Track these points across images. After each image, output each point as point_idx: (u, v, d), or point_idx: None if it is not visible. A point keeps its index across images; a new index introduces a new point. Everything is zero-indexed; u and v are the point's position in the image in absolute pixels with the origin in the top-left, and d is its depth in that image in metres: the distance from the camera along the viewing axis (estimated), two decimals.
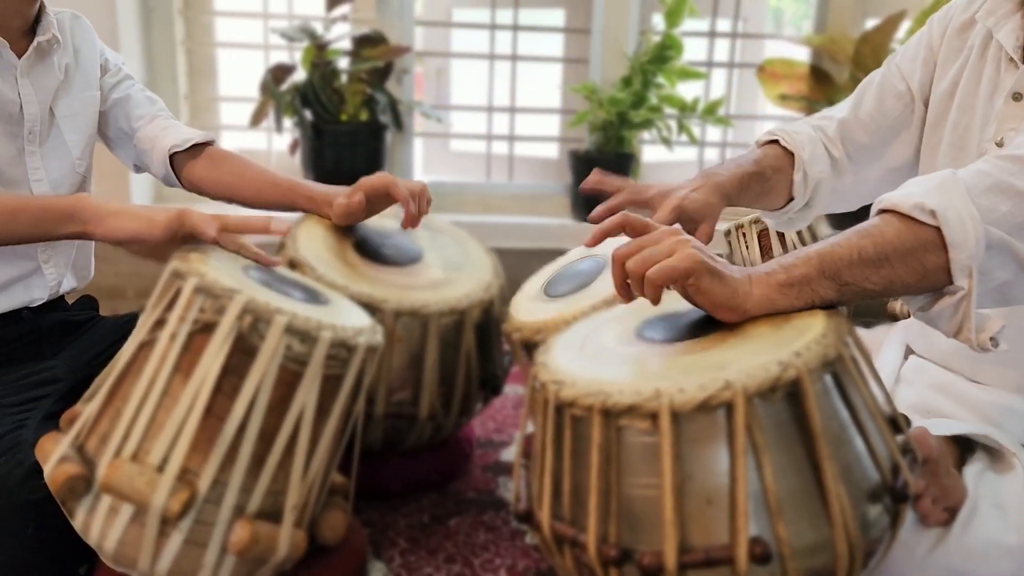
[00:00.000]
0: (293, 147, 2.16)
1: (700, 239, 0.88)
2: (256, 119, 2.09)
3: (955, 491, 0.80)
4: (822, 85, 2.21)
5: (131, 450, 0.72)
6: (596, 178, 1.00)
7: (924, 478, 0.77)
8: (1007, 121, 0.89)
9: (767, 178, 1.03)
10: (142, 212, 0.91)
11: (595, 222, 0.87)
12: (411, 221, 1.18)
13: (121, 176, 1.84)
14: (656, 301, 0.72)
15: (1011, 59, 0.90)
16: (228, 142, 2.28)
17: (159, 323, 0.77)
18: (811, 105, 2.21)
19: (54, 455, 0.74)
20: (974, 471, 0.84)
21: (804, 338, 0.65)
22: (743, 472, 0.61)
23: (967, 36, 0.98)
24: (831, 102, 2.18)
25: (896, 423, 0.73)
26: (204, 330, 0.74)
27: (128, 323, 1.17)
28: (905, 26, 2.16)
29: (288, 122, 2.11)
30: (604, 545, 0.64)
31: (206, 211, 0.91)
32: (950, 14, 1.01)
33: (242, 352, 0.74)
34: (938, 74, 1.01)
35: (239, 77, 2.28)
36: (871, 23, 2.28)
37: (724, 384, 0.61)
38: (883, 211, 0.75)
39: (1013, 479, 0.83)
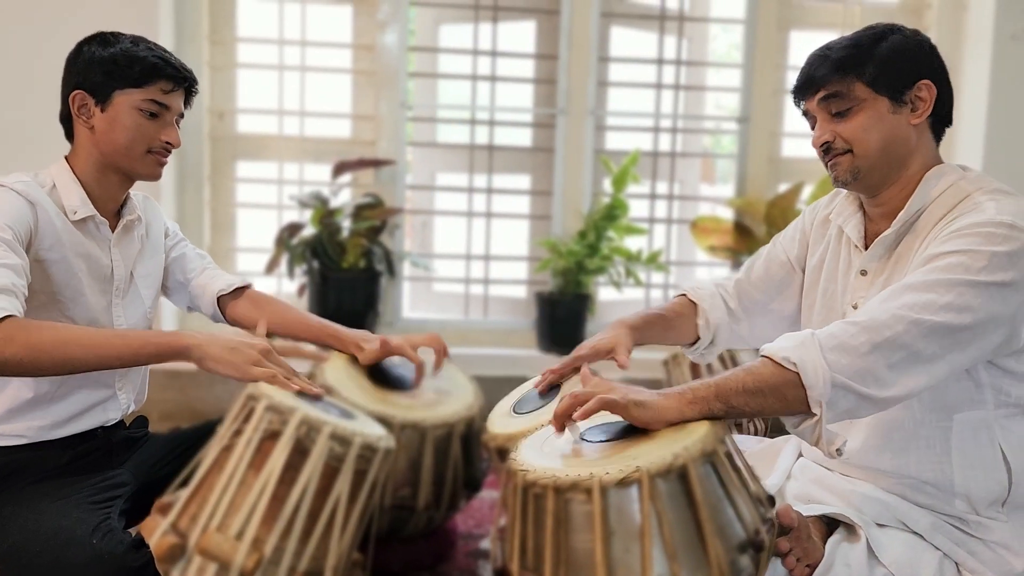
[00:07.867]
0: (301, 290, 2.38)
1: (619, 359, 1.18)
2: (271, 267, 2.32)
3: (814, 552, 0.99)
4: (744, 238, 2.50)
5: (216, 524, 0.93)
6: (549, 377, 1.28)
7: (790, 542, 0.96)
8: (858, 291, 1.15)
9: (670, 319, 1.31)
10: (237, 363, 1.09)
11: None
12: (436, 366, 1.40)
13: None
14: (586, 416, 0.96)
15: (856, 246, 1.16)
16: None
17: (237, 432, 1.00)
18: (735, 254, 2.48)
19: (157, 531, 0.95)
20: (834, 540, 1.03)
21: (691, 438, 0.89)
22: (649, 529, 0.81)
23: (828, 227, 1.24)
24: (751, 252, 2.49)
25: (762, 500, 0.95)
26: (271, 437, 0.96)
27: (174, 438, 1.41)
28: (808, 190, 2.47)
29: (297, 269, 2.33)
30: None
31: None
32: (817, 209, 1.30)
33: (298, 452, 0.94)
34: (809, 252, 1.27)
35: (252, 231, 2.52)
36: (784, 186, 2.61)
37: (635, 468, 0.83)
38: (763, 356, 0.99)
39: (859, 546, 1.03)
